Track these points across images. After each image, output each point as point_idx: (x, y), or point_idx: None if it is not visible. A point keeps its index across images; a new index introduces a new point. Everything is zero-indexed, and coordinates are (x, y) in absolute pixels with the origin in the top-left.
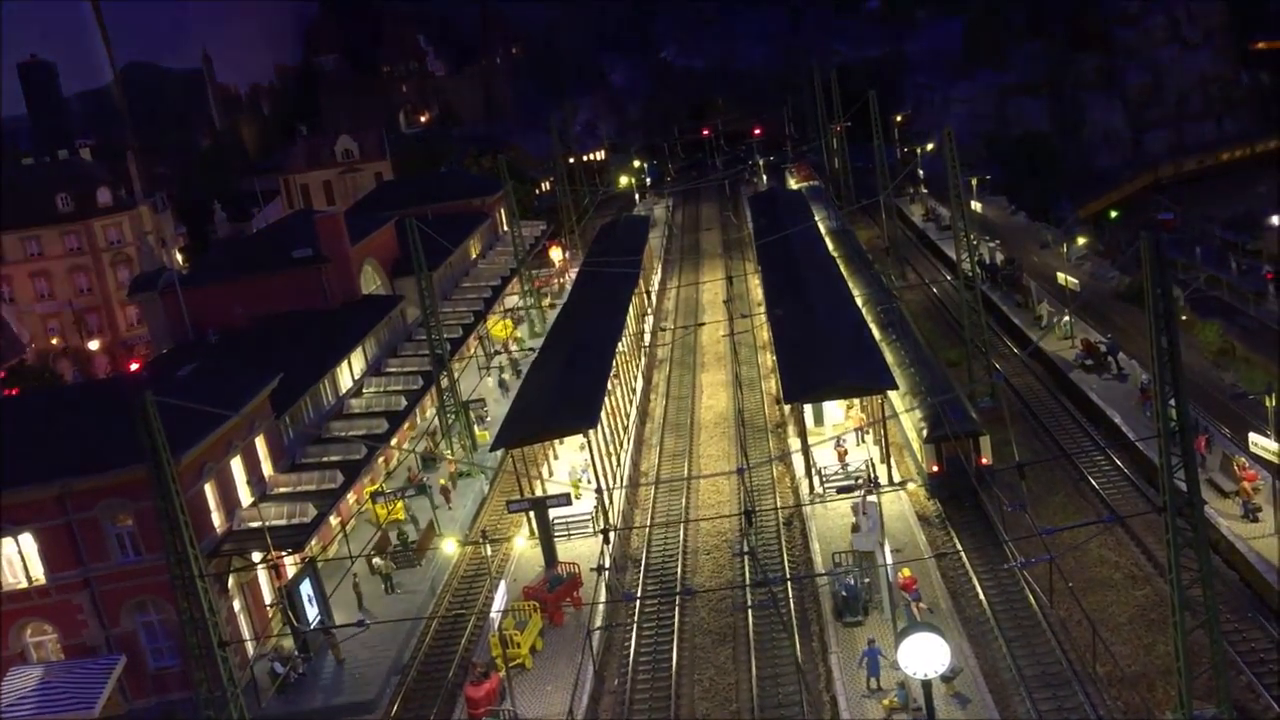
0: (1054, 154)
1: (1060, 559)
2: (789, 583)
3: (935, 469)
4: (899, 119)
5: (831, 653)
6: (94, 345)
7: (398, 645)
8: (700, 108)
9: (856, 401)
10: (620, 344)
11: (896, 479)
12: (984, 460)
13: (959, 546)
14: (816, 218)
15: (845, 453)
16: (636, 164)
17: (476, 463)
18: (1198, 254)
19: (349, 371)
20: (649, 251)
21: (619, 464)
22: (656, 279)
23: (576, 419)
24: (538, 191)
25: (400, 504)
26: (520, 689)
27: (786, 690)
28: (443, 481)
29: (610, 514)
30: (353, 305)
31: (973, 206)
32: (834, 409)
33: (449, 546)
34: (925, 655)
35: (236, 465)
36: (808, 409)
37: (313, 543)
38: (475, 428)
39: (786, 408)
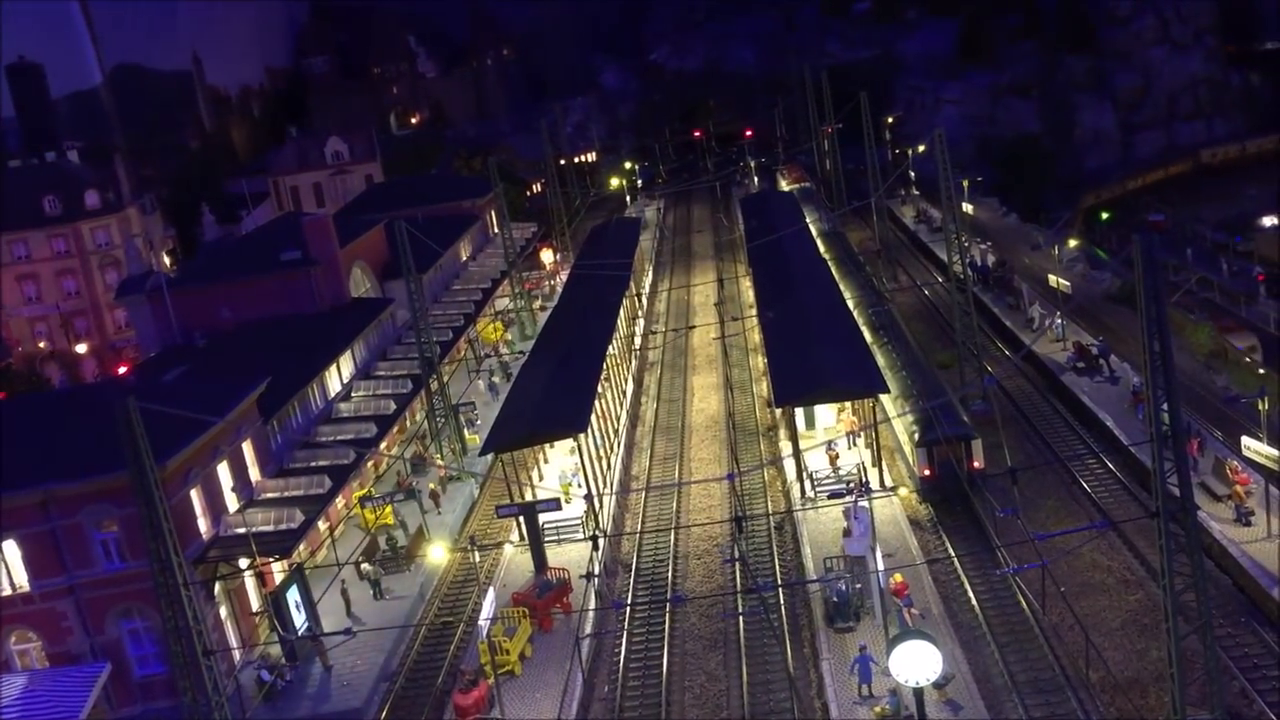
0: (1045, 156)
1: (1053, 564)
2: (780, 589)
3: (927, 473)
4: (890, 120)
5: (823, 659)
6: (82, 349)
7: (386, 652)
8: (692, 109)
9: (848, 405)
10: (611, 347)
11: (888, 483)
12: (976, 464)
13: (951, 551)
14: (808, 220)
15: (837, 456)
16: (628, 166)
17: (465, 468)
18: (1188, 255)
19: (338, 375)
20: (640, 254)
21: (609, 468)
22: (648, 281)
23: (567, 423)
24: (528, 193)
25: (389, 509)
26: (509, 696)
27: (777, 697)
28: (432, 486)
29: (600, 519)
30: (341, 308)
31: (964, 208)
32: (825, 412)
33: (438, 552)
34: (917, 663)
35: (223, 470)
36: (799, 412)
37: (300, 549)
38: (465, 431)
39: (778, 411)
